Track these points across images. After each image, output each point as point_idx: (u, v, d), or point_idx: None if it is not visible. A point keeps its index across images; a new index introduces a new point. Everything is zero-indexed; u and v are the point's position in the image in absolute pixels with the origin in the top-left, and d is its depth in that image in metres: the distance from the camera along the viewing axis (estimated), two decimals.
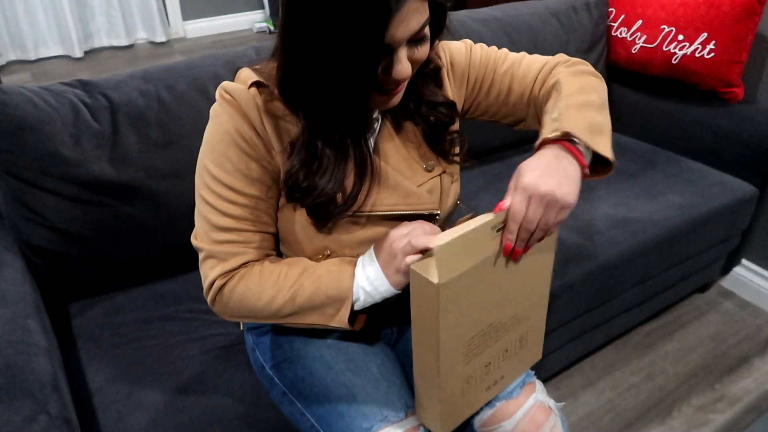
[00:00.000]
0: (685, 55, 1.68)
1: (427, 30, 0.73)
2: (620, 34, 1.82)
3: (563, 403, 0.99)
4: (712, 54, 1.63)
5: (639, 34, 1.77)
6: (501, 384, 0.88)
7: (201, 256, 0.83)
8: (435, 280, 0.68)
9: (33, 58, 3.72)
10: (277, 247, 0.90)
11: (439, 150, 0.89)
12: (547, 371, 1.51)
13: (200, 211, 0.82)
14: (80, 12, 3.75)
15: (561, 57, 0.93)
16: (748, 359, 1.70)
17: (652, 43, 1.74)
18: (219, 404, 1.00)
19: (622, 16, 1.81)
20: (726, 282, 1.96)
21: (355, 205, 0.81)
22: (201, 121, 1.18)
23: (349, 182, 0.81)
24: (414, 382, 0.83)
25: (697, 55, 1.66)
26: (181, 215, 1.22)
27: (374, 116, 0.85)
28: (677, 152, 1.80)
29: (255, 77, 0.78)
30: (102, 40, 3.93)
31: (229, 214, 0.79)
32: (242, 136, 0.77)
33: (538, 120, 0.91)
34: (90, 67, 3.70)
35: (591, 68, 0.91)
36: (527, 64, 0.93)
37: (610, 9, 1.84)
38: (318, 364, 0.89)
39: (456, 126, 0.91)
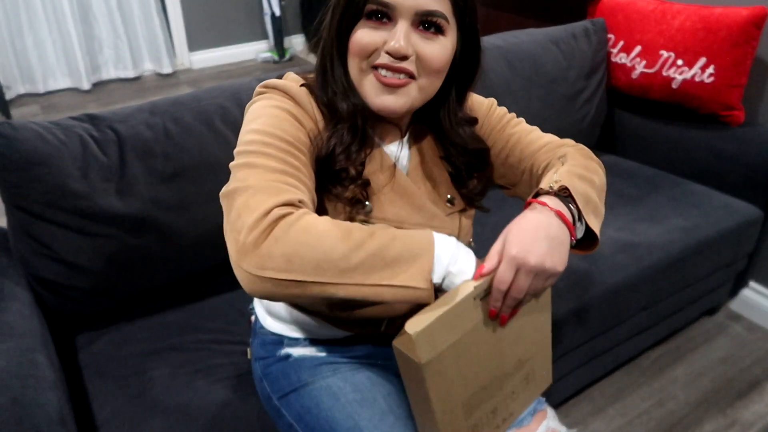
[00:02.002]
0: (684, 79, 1.70)
1: (446, 31, 0.76)
2: (620, 59, 1.85)
3: (575, 430, 0.98)
4: (712, 78, 1.65)
5: (638, 59, 1.79)
6: (511, 419, 0.87)
7: (244, 195, 0.68)
8: (418, 359, 0.66)
9: (42, 90, 3.78)
10: None
11: (462, 193, 0.92)
12: (556, 398, 1.50)
13: (248, 162, 0.71)
14: (88, 45, 3.82)
15: (569, 140, 0.94)
16: (760, 383, 1.67)
17: (651, 68, 1.76)
18: None
19: (621, 43, 1.83)
20: (734, 305, 1.94)
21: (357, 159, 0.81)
22: (207, 153, 1.20)
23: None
24: None
25: (696, 79, 1.67)
26: (187, 246, 1.22)
27: (401, 144, 0.89)
28: (680, 176, 1.81)
29: (302, 80, 0.83)
30: (110, 72, 4.00)
31: (285, 160, 0.72)
32: (300, 113, 0.79)
33: (531, 189, 0.91)
34: (98, 98, 3.75)
35: (594, 156, 0.91)
36: (537, 135, 0.94)
37: (609, 35, 1.86)
38: (325, 395, 0.88)
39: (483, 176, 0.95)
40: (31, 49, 3.67)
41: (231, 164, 0.74)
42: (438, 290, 0.71)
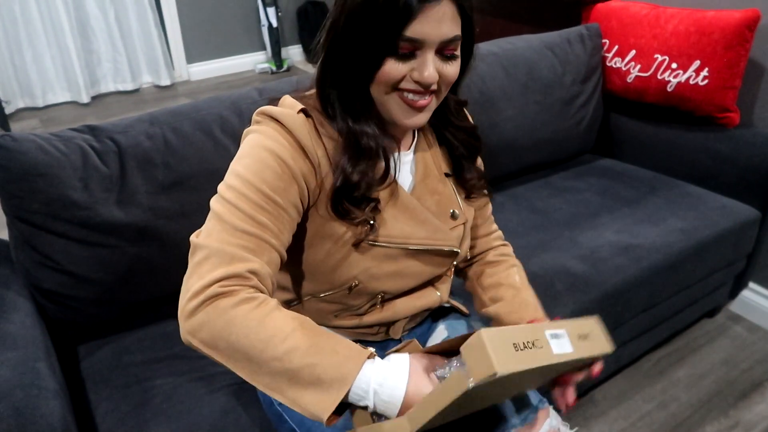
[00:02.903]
0: (679, 82, 1.71)
1: (458, 51, 0.79)
2: (615, 64, 1.86)
3: (577, 428, 0.98)
4: (706, 81, 1.66)
5: (633, 63, 1.81)
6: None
7: (200, 255, 0.73)
8: None
9: (41, 104, 3.80)
10: (291, 283, 0.91)
11: (464, 182, 0.95)
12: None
13: (218, 212, 0.75)
14: (87, 58, 3.85)
15: (498, 232, 1.10)
16: (762, 384, 1.68)
17: (646, 72, 1.78)
18: None
19: (616, 47, 1.85)
20: (734, 306, 1.94)
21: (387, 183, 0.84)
22: (207, 162, 1.21)
23: (380, 170, 0.84)
24: None
25: (691, 82, 1.69)
26: (188, 254, 1.23)
27: (406, 155, 0.91)
28: (677, 178, 1.82)
29: (300, 105, 0.81)
30: (108, 85, 4.02)
31: (254, 218, 0.74)
32: (291, 154, 0.78)
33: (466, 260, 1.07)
34: (97, 111, 3.77)
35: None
36: (491, 220, 1.09)
37: (604, 40, 1.88)
38: None
39: (480, 165, 0.99)
40: (30, 64, 3.69)
41: (211, 200, 0.77)
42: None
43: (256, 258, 0.73)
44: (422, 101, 0.79)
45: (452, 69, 0.79)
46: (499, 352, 0.63)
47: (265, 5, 4.09)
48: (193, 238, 0.75)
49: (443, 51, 0.77)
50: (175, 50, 4.14)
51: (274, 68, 4.32)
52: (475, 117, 1.05)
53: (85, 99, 3.83)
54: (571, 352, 0.72)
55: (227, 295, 0.69)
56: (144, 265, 1.20)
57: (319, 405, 0.67)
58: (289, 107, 0.82)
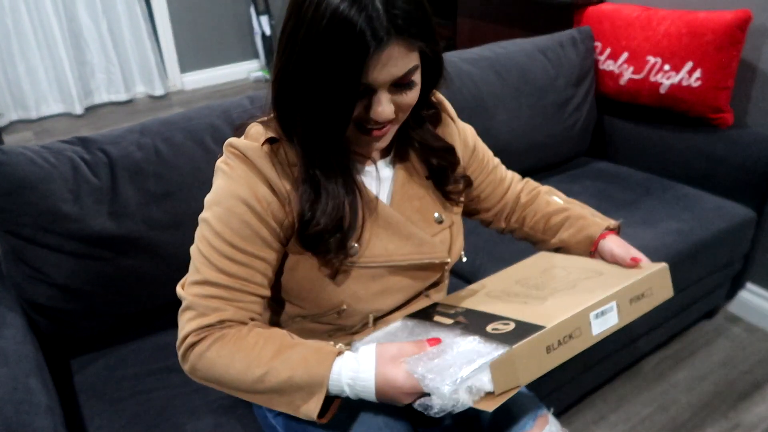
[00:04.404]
0: (672, 84, 1.71)
1: (416, 77, 0.75)
2: (607, 66, 1.86)
3: None
4: (699, 82, 1.66)
5: (626, 65, 1.81)
6: None
7: (182, 305, 0.81)
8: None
9: (35, 116, 3.79)
10: (279, 303, 0.90)
11: (445, 192, 0.92)
12: (558, 406, 1.49)
13: (194, 261, 0.80)
14: (80, 70, 3.84)
15: (517, 175, 1.12)
16: (761, 385, 1.67)
17: (639, 74, 1.78)
18: None
19: (608, 50, 1.85)
20: (732, 307, 1.94)
21: (353, 237, 0.82)
22: (198, 172, 1.21)
23: (346, 215, 0.81)
24: None
25: (684, 83, 1.69)
26: (181, 266, 1.20)
27: (385, 164, 0.89)
28: (672, 179, 1.82)
29: (265, 133, 0.79)
30: (102, 96, 4.01)
31: (223, 270, 0.78)
32: (256, 195, 0.77)
33: (503, 214, 1.08)
34: (91, 123, 3.76)
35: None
36: (504, 172, 1.09)
37: (596, 43, 1.88)
38: None
39: (461, 170, 0.95)
40: (24, 76, 3.68)
41: (191, 247, 0.81)
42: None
43: (229, 307, 0.79)
44: (378, 132, 0.77)
45: (409, 97, 0.76)
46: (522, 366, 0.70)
47: (258, 13, 4.10)
48: (177, 288, 0.83)
49: (397, 83, 0.73)
50: (169, 60, 4.14)
51: (267, 76, 4.33)
52: (468, 122, 1.04)
53: (79, 110, 3.82)
54: (615, 324, 0.77)
55: (200, 342, 0.78)
56: (137, 277, 1.19)
57: (307, 409, 0.75)
58: (253, 138, 0.80)
